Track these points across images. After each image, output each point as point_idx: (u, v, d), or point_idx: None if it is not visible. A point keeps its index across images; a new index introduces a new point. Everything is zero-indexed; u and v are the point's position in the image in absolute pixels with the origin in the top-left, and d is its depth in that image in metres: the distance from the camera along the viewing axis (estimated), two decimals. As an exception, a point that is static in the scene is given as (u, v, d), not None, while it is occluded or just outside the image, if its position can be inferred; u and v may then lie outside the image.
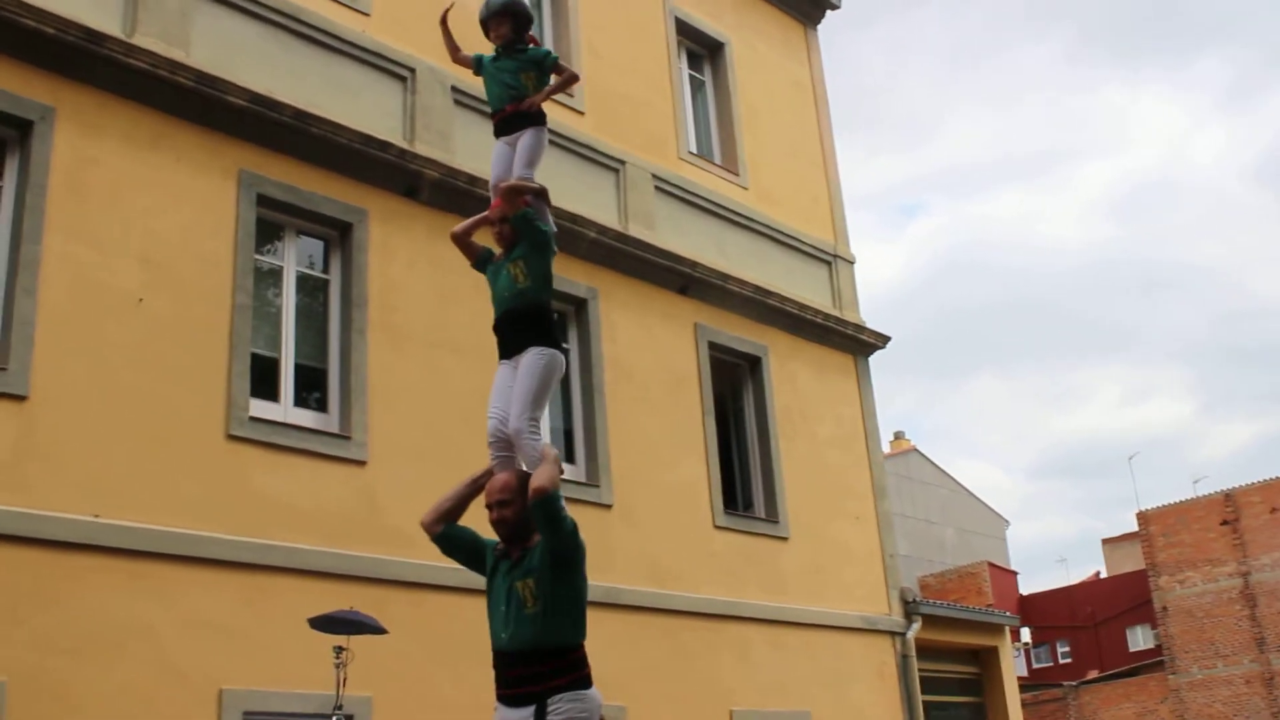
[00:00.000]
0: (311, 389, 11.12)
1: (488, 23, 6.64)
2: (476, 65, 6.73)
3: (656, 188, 14.79)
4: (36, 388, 9.05)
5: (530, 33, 6.69)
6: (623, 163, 14.42)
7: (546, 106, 6.55)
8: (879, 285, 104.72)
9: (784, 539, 14.77)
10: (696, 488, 13.90)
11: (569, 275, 13.21)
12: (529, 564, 5.30)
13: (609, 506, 12.76)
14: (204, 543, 9.61)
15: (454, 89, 12.66)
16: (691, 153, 15.84)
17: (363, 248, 11.40)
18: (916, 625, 16.22)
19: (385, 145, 11.66)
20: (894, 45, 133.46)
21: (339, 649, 9.14)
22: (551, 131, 13.11)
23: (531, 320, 6.01)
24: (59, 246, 9.42)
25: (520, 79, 6.52)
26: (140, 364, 9.64)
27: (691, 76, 16.84)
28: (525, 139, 6.46)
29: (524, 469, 5.64)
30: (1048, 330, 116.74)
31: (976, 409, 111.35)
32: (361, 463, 10.79)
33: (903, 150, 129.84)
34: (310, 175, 11.17)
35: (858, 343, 16.98)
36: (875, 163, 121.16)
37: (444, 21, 6.98)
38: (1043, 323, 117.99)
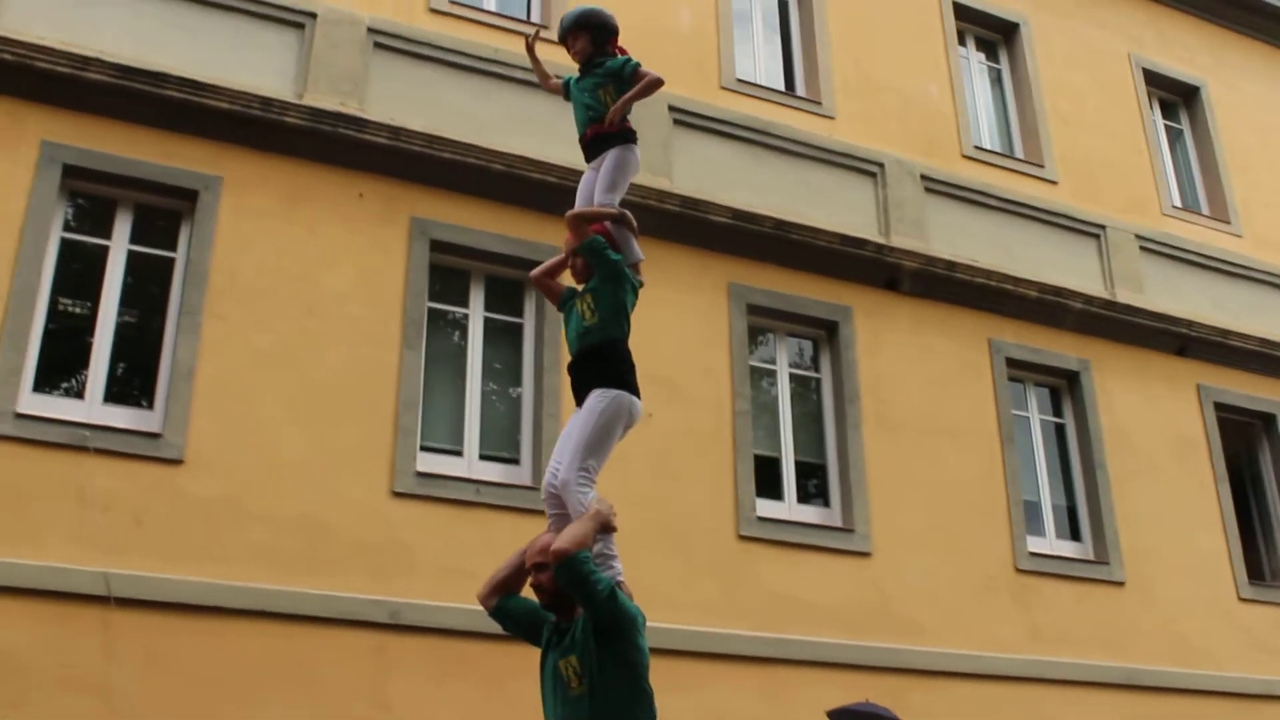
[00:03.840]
0: (812, 485, 11.52)
1: (564, 41, 5.97)
2: (565, 90, 6.05)
3: (1142, 248, 14.29)
4: (568, 504, 9.93)
5: (617, 40, 5.96)
6: (1103, 227, 14.05)
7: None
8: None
9: (1322, 609, 13.70)
10: (1215, 558, 13.17)
11: (1057, 348, 13.04)
12: (572, 638, 4.64)
13: (1121, 584, 12.33)
14: (724, 639, 10.14)
15: (923, 177, 12.88)
16: (1176, 207, 15.20)
17: (850, 344, 11.76)
18: None
19: (862, 242, 12.01)
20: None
21: (860, 740, 9.36)
22: (1025, 205, 13.37)
23: (596, 359, 5.35)
24: (577, 373, 10.34)
25: (599, 96, 5.79)
26: (656, 473, 10.37)
27: (1167, 127, 16.21)
28: (606, 161, 5.72)
29: None
30: None
31: None
32: (866, 554, 11.04)
33: None
34: (794, 279, 11.68)
35: (1385, 389, 15.57)
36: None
37: (530, 49, 6.20)
38: None
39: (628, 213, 5.59)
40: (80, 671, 8.23)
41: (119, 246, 9.60)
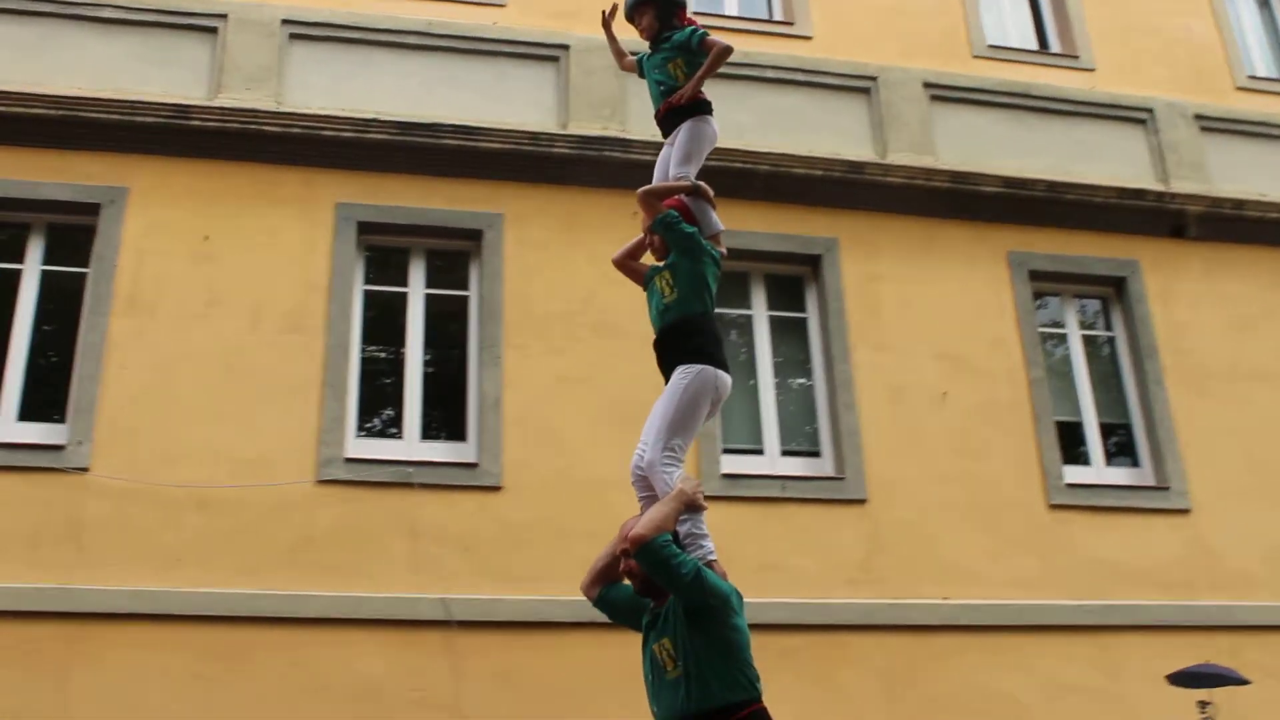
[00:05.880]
0: (1119, 445, 11.21)
1: (632, 19, 5.86)
2: (639, 68, 5.98)
3: None
4: (873, 491, 9.97)
5: (685, 13, 5.85)
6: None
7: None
8: None
9: None
10: None
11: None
12: (665, 621, 4.54)
13: None
14: (1048, 610, 9.99)
15: (1197, 116, 12.37)
16: None
17: (1141, 298, 11.40)
18: None
19: (1141, 193, 11.63)
20: None
21: (1203, 703, 9.09)
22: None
23: (678, 335, 5.20)
24: (866, 360, 10.39)
25: (669, 71, 5.67)
26: (957, 451, 10.31)
27: None
28: (680, 135, 5.60)
29: None
30: None
31: None
32: (1185, 511, 10.67)
33: None
34: (1073, 240, 11.40)
35: None
36: None
37: (606, 25, 6.13)
38: None
39: (702, 184, 5.47)
40: (431, 693, 8.74)
41: (416, 291, 10.15)
